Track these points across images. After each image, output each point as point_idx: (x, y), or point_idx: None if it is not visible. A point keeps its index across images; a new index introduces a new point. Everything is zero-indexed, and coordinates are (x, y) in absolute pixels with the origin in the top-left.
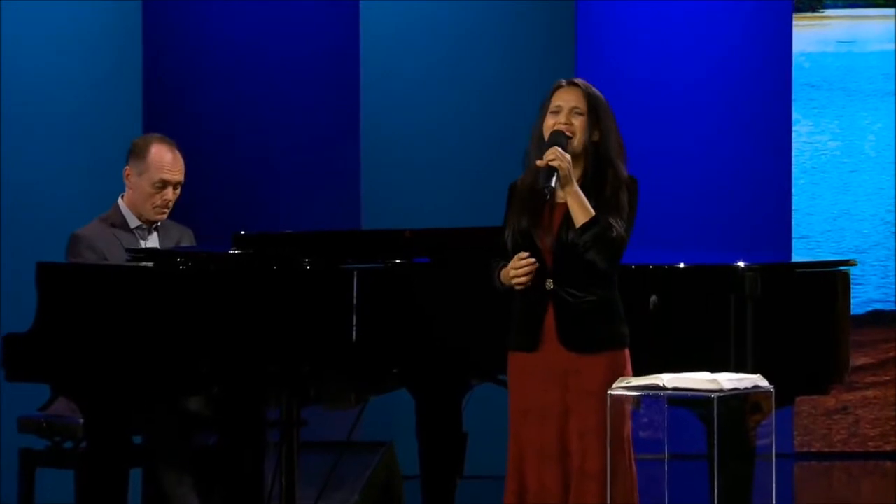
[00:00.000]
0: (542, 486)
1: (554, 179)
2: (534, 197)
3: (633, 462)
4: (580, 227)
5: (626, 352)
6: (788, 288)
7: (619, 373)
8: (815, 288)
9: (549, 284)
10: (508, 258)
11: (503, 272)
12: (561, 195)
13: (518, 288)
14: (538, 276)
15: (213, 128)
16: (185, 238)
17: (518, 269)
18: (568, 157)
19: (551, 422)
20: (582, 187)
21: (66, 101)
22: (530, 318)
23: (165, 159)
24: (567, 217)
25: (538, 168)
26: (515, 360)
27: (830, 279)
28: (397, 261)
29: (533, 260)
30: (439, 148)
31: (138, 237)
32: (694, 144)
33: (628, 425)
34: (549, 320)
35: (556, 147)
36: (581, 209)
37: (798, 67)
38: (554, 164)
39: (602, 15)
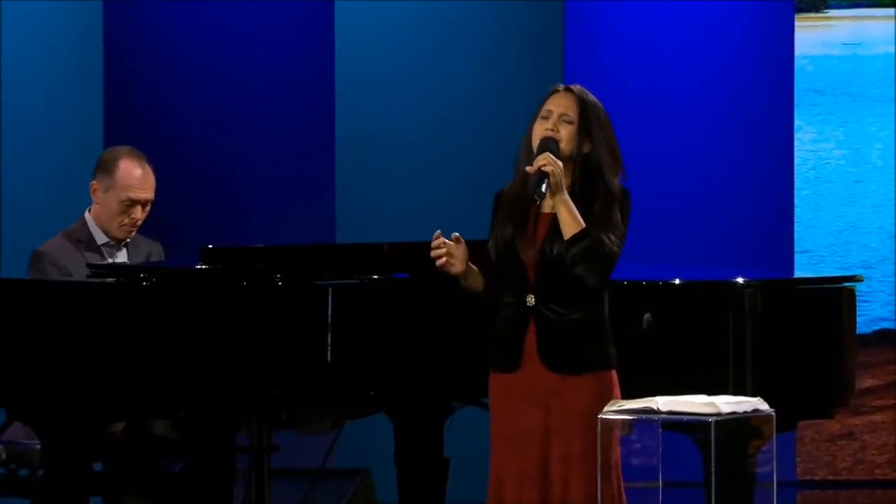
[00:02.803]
0: None
1: (545, 185)
2: (520, 206)
3: (622, 491)
4: (569, 240)
5: (613, 373)
6: (790, 305)
7: (605, 395)
8: (818, 305)
9: (531, 300)
10: (492, 269)
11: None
12: (548, 205)
13: (439, 267)
14: (520, 290)
15: (179, 135)
16: (155, 252)
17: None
18: (560, 163)
19: (532, 446)
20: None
21: (23, 107)
22: (510, 336)
23: (134, 176)
24: (552, 229)
25: (528, 174)
26: (496, 380)
27: (835, 296)
28: (374, 276)
29: (440, 242)
30: (420, 157)
31: (106, 255)
32: (689, 152)
33: (617, 451)
34: (531, 339)
35: (548, 153)
36: (571, 220)
37: (800, 71)
38: (546, 169)
39: (592, 15)
